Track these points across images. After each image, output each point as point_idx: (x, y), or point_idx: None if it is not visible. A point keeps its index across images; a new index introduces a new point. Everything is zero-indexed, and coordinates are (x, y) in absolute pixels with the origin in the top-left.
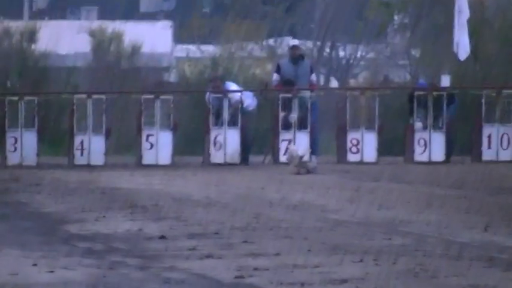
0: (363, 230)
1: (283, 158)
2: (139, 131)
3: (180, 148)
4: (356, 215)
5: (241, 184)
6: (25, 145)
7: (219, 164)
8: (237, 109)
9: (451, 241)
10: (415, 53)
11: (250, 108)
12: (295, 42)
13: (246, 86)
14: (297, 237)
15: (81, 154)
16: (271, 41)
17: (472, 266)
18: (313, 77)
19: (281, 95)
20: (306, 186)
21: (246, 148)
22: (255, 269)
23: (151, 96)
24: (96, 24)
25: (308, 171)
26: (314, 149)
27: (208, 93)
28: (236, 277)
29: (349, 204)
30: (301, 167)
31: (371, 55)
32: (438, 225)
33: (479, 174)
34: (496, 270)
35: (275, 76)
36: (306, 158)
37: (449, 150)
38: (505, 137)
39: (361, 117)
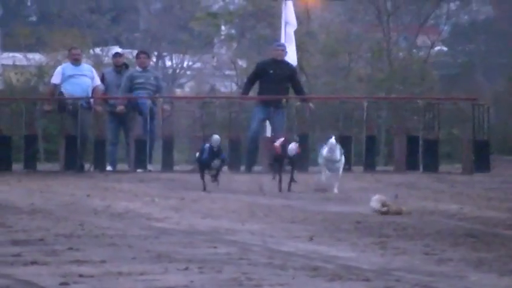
0: (188, 239)
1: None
2: None
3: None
4: (181, 223)
5: (66, 191)
6: None
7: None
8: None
9: (276, 250)
10: (242, 63)
11: None
12: (119, 50)
13: None
14: (121, 245)
15: None
16: (97, 50)
17: (297, 276)
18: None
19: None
20: (131, 194)
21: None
22: (80, 275)
23: None
24: None
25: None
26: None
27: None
28: (61, 284)
29: (174, 213)
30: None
31: (197, 65)
32: (263, 234)
33: (304, 184)
34: (321, 280)
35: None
36: None
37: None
38: None
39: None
